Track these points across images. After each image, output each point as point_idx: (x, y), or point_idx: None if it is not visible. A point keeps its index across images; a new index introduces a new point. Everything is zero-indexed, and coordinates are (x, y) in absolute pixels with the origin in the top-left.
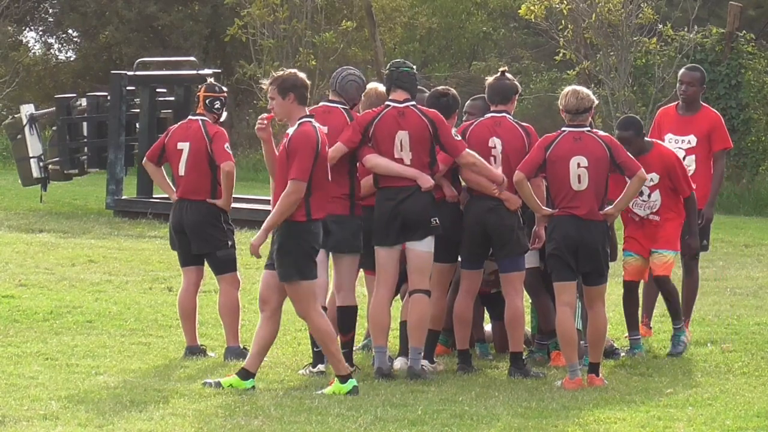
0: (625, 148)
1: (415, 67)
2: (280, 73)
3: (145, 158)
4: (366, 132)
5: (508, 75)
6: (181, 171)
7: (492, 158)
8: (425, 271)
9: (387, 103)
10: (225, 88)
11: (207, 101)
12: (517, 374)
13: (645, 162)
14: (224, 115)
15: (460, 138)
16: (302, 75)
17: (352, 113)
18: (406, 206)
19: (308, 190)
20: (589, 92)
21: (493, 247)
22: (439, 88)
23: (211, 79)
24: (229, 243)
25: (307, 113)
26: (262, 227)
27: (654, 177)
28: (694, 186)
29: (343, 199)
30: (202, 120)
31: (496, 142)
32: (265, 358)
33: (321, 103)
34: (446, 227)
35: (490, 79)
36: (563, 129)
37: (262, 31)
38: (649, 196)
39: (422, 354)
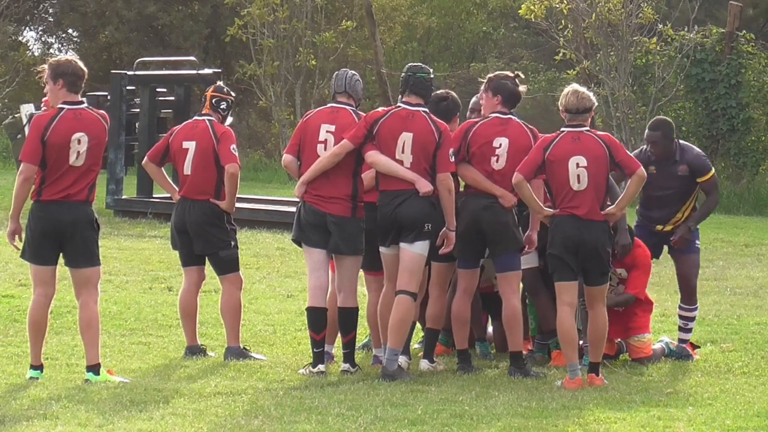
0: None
1: (432, 71)
2: (57, 58)
3: (146, 158)
4: (371, 129)
5: (519, 80)
6: (187, 170)
7: (495, 158)
8: (414, 273)
9: (399, 104)
10: (233, 93)
11: (213, 101)
12: (517, 374)
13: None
14: (230, 119)
15: (453, 159)
16: (76, 63)
17: (359, 113)
18: (401, 210)
19: (44, 172)
20: (590, 93)
21: (489, 245)
22: (439, 92)
23: (220, 82)
24: (232, 243)
25: (78, 100)
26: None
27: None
28: None
29: (344, 201)
30: (209, 120)
31: (501, 142)
32: (262, 357)
33: (328, 105)
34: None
35: (506, 81)
36: (562, 129)
37: (262, 30)
38: None
39: (398, 355)
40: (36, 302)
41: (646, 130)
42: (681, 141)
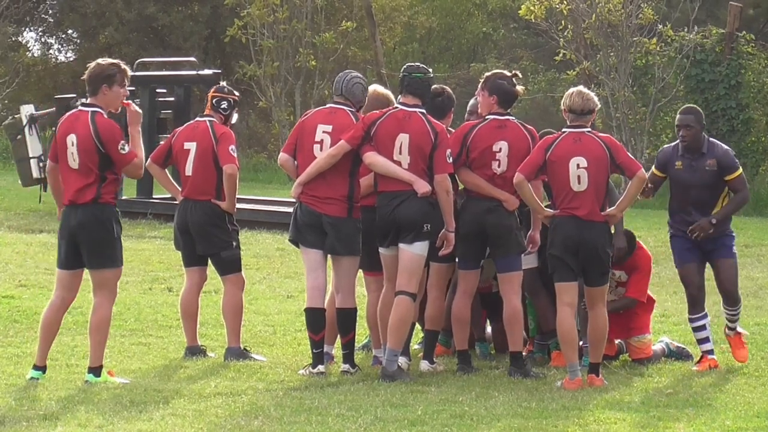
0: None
1: (431, 70)
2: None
3: (149, 160)
4: (369, 131)
5: (516, 80)
6: (188, 171)
7: (496, 162)
8: (413, 273)
9: (396, 105)
10: (236, 92)
11: (214, 101)
12: (517, 374)
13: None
14: (234, 117)
15: (451, 161)
16: (92, 66)
17: (358, 114)
18: (400, 211)
19: (59, 174)
20: (593, 95)
21: (491, 247)
22: (434, 87)
23: (223, 82)
24: (234, 244)
25: (92, 103)
26: None
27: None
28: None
29: (341, 201)
30: (209, 121)
31: (501, 146)
32: (262, 358)
33: (327, 105)
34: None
35: (502, 81)
36: (563, 130)
37: (261, 31)
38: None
39: (398, 356)
40: (52, 303)
41: (678, 116)
42: (709, 137)
